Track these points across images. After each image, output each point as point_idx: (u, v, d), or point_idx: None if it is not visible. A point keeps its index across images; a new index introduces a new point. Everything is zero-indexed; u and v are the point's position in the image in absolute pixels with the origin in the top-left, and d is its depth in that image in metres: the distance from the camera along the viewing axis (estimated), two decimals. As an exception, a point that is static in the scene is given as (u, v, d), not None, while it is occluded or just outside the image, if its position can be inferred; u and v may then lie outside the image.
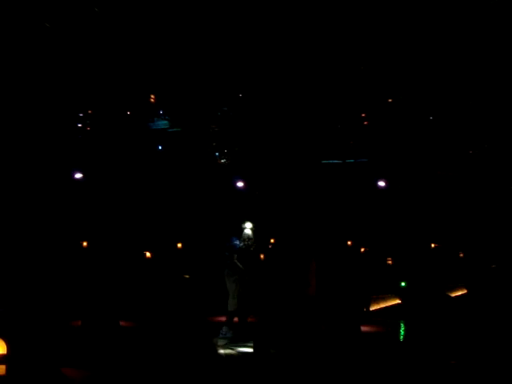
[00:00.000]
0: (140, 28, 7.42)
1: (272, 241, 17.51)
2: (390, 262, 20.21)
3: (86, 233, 18.60)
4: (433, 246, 21.06)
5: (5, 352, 8.64)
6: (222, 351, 11.26)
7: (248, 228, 12.66)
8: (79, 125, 12.79)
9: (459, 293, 17.47)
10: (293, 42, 7.62)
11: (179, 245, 19.93)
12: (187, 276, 17.67)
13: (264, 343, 9.65)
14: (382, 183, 16.84)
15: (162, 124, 12.31)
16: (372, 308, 15.34)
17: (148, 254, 19.08)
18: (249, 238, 12.60)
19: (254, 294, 12.65)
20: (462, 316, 14.02)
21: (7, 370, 8.46)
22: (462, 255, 21.30)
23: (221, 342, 11.82)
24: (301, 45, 7.70)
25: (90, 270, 15.62)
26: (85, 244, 18.65)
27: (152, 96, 10.18)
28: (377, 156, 15.90)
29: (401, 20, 6.97)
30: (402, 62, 8.17)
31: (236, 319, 12.45)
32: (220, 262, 13.54)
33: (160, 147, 14.26)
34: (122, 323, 12.43)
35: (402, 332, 13.76)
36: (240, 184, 16.68)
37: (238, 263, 12.39)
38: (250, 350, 11.13)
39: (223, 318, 12.60)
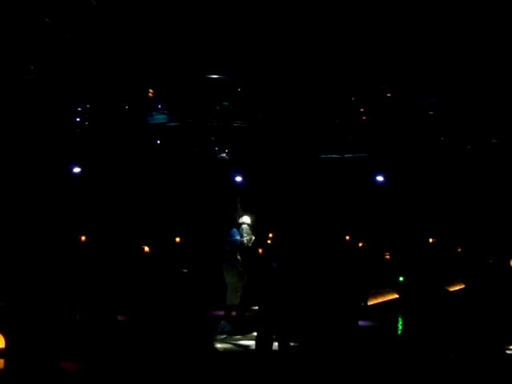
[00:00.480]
0: (138, 22, 7.41)
1: (270, 235, 17.53)
2: (388, 256, 20.24)
3: (84, 227, 18.61)
4: (431, 240, 21.09)
5: (3, 346, 8.65)
6: (220, 345, 11.27)
7: (246, 223, 12.66)
8: (77, 119, 12.76)
9: (457, 287, 17.49)
10: (292, 36, 7.61)
11: (177, 239, 19.95)
12: (185, 270, 17.69)
13: (266, 338, 9.65)
14: (380, 178, 16.86)
15: (161, 118, 12.29)
16: (370, 303, 15.34)
17: (146, 249, 19.09)
18: (247, 233, 12.61)
19: (253, 288, 12.67)
20: (460, 310, 14.04)
21: (6, 363, 8.47)
22: (460, 250, 21.33)
23: (219, 337, 11.83)
24: (300, 38, 7.69)
25: (88, 264, 15.62)
26: (83, 238, 18.66)
27: (150, 90, 10.16)
28: (375, 151, 15.91)
29: (399, 14, 6.97)
30: (400, 57, 8.17)
31: (234, 313, 12.47)
32: (219, 256, 13.53)
33: (158, 141, 14.25)
34: (120, 317, 12.42)
35: (400, 326, 13.77)
36: (239, 178, 16.69)
37: (239, 257, 12.40)
38: (249, 344, 11.15)
39: (222, 313, 12.61)
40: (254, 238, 12.62)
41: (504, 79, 9.07)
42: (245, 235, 12.60)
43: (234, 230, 12.68)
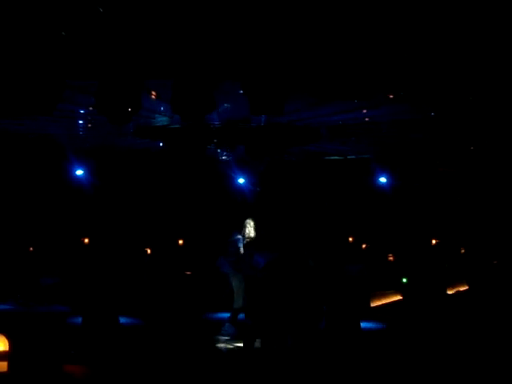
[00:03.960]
0: (140, 21, 7.37)
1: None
2: (391, 258, 20.21)
3: (87, 230, 18.62)
4: (434, 241, 21.05)
5: (6, 349, 8.65)
6: (222, 348, 11.27)
7: (249, 220, 12.65)
8: (80, 121, 12.77)
9: (461, 289, 17.45)
10: (291, 42, 7.60)
11: (180, 241, 19.93)
12: (189, 272, 17.68)
13: (270, 340, 9.67)
14: (383, 179, 16.86)
15: (163, 120, 12.30)
16: (373, 304, 15.33)
17: (149, 251, 19.09)
18: (249, 224, 12.60)
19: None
20: (463, 312, 14.01)
21: (9, 366, 8.47)
22: (463, 251, 21.28)
23: (222, 339, 11.82)
24: (299, 43, 7.68)
25: (91, 267, 15.63)
26: (86, 241, 18.67)
27: (153, 92, 10.14)
28: (378, 152, 15.90)
29: (400, 13, 6.95)
30: (402, 57, 8.15)
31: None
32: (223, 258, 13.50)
33: (161, 144, 14.26)
34: (122, 320, 12.42)
35: (403, 328, 13.73)
36: (241, 180, 16.72)
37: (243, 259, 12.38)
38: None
39: (225, 315, 12.61)
40: (253, 233, 12.56)
41: (506, 80, 9.05)
42: (246, 231, 12.59)
43: (236, 231, 12.69)
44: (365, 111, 11.31)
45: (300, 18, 7.14)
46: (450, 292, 15.42)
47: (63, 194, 17.60)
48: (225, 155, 12.96)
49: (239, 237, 12.57)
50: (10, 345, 8.72)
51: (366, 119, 12.06)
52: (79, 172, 15.94)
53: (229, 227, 13.19)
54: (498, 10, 6.87)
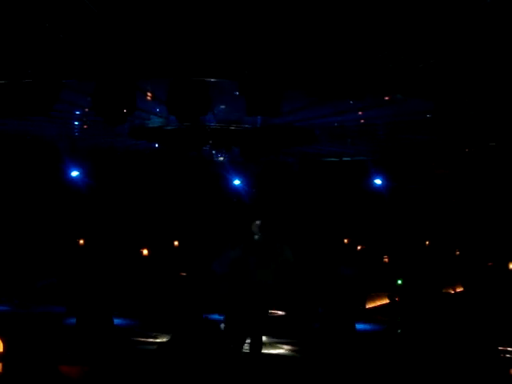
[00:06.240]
0: (136, 22, 7.37)
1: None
2: (386, 259, 20.24)
3: (83, 231, 18.62)
4: (428, 243, 21.09)
5: (1, 350, 8.65)
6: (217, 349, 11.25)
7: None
8: (76, 122, 12.76)
9: (456, 290, 17.49)
10: (287, 43, 7.62)
11: (176, 243, 19.94)
12: (184, 274, 17.67)
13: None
14: (378, 181, 16.88)
15: (159, 121, 12.30)
16: (368, 306, 15.34)
17: (145, 252, 19.09)
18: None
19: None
20: (458, 313, 14.04)
21: (4, 367, 8.48)
22: (458, 253, 21.32)
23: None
24: (296, 43, 7.69)
25: (86, 267, 15.63)
26: (82, 242, 18.67)
27: (148, 94, 10.15)
28: (374, 154, 15.93)
29: (396, 13, 6.97)
30: (398, 58, 8.17)
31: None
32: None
33: (156, 145, 14.26)
34: (117, 321, 12.42)
35: (398, 330, 13.76)
36: (237, 182, 16.73)
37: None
38: (246, 347, 11.14)
39: (219, 316, 12.59)
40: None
41: (503, 82, 9.08)
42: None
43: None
44: (360, 113, 11.33)
45: (296, 18, 7.16)
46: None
47: (59, 195, 17.59)
48: (220, 156, 12.97)
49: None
50: (4, 346, 8.73)
51: (362, 121, 12.09)
52: (75, 173, 15.91)
53: (225, 228, 13.18)
54: (494, 14, 6.89)
